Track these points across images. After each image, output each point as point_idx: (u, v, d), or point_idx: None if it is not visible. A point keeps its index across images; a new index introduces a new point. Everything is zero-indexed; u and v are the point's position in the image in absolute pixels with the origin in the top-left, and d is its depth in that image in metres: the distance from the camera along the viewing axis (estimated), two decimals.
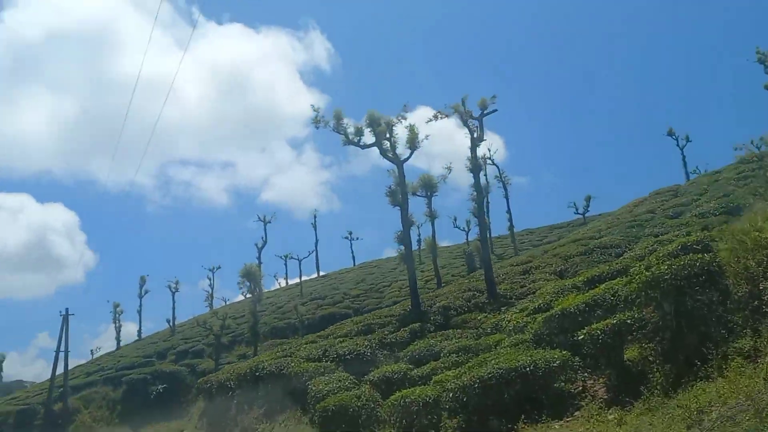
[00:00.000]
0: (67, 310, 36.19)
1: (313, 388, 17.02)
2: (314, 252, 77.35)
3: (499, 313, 20.90)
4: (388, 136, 27.58)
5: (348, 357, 19.47)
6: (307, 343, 23.47)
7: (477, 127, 28.02)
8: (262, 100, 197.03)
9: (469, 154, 28.09)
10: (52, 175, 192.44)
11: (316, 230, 76.62)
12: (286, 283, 78.70)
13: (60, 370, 46.52)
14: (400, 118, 27.73)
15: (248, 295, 41.51)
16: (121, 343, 65.98)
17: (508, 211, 53.43)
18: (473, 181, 28.61)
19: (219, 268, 62.51)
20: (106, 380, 48.92)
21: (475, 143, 27.90)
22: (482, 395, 11.45)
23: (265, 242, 66.47)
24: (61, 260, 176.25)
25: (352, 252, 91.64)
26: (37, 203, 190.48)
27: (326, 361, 19.36)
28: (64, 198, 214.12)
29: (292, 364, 19.10)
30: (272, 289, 75.37)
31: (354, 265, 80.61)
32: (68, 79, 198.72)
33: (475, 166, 28.46)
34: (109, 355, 61.74)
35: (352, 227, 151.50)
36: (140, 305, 68.02)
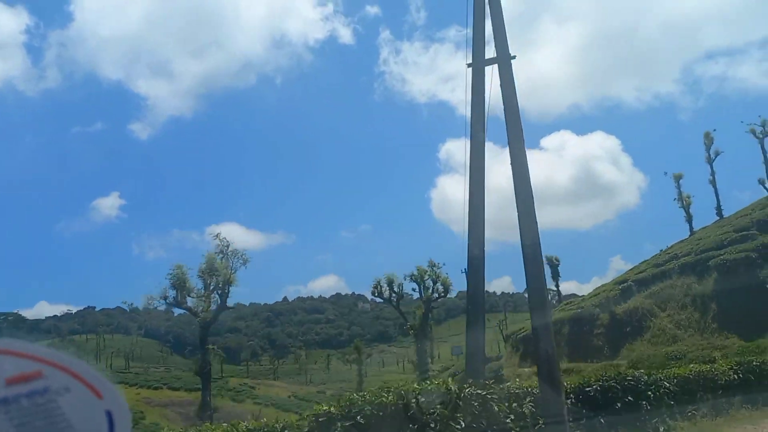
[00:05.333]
0: None
1: None
2: None
3: None
4: None
5: None
6: None
7: None
8: None
9: None
10: (579, 106, 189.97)
11: None
12: None
13: None
14: None
15: None
16: (694, 225, 47.79)
17: None
18: None
19: None
20: (684, 268, 32.19)
21: None
22: None
23: None
24: (611, 185, 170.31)
25: None
26: (576, 136, 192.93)
27: None
28: (602, 125, 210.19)
29: None
30: None
31: None
32: (573, 4, 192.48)
33: None
34: (680, 242, 44.41)
35: None
36: (711, 172, 47.98)
